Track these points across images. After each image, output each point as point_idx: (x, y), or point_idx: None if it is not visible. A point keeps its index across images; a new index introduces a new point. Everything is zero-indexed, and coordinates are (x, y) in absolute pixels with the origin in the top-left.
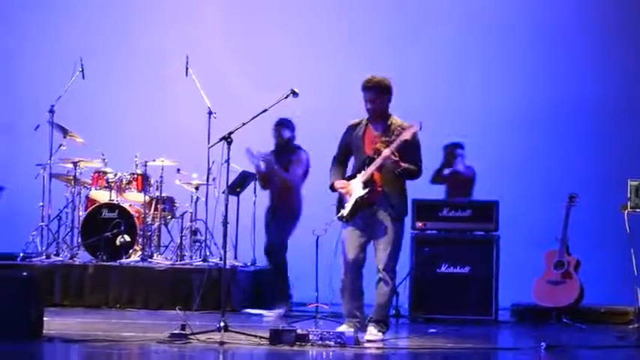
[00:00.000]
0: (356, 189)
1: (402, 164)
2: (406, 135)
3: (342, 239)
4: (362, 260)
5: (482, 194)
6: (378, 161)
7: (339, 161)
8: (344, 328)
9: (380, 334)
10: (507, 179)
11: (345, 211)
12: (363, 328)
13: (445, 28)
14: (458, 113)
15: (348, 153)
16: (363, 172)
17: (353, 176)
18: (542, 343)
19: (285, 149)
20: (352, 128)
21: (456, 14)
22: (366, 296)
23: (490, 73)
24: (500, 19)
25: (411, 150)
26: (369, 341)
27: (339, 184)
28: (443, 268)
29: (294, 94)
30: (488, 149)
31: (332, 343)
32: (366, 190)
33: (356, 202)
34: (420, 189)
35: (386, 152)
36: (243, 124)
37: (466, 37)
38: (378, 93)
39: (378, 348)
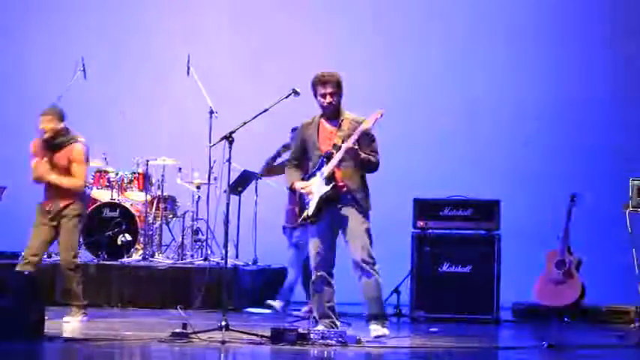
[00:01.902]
0: (318, 187)
1: (362, 154)
2: (367, 124)
3: (310, 240)
4: (332, 260)
5: (483, 193)
6: (339, 154)
7: (295, 162)
8: (320, 328)
9: (384, 329)
10: (509, 178)
11: (309, 211)
12: (336, 327)
13: (450, 26)
14: (460, 112)
15: (304, 153)
16: (323, 169)
17: (311, 175)
18: (544, 343)
19: (59, 143)
20: (305, 127)
21: (462, 12)
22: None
23: (494, 72)
24: (508, 18)
25: (366, 140)
26: (377, 337)
27: (300, 184)
28: (444, 268)
29: (296, 93)
30: (490, 148)
31: (333, 342)
32: (329, 186)
33: (320, 199)
34: (420, 188)
35: (347, 145)
36: (245, 123)
37: (471, 36)
38: (337, 87)
39: (379, 347)
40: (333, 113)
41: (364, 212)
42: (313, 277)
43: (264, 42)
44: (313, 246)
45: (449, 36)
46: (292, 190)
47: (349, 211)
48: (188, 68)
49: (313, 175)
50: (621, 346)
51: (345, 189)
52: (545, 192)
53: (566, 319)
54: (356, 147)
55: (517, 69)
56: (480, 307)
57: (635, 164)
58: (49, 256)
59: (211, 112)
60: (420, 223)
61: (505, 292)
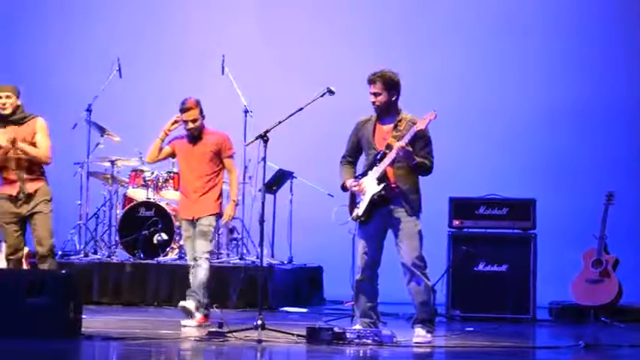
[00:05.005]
0: (369, 186)
1: (416, 157)
2: (420, 124)
3: (358, 239)
4: (379, 260)
5: (519, 192)
6: (391, 154)
7: (349, 160)
8: (357, 327)
9: (428, 335)
10: (545, 177)
11: (360, 211)
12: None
13: (481, 25)
14: (495, 111)
15: (358, 151)
16: (375, 168)
17: (364, 174)
18: (581, 342)
19: (19, 118)
20: (361, 125)
21: (493, 11)
22: (399, 296)
23: (529, 71)
24: (539, 16)
25: (421, 143)
26: (417, 343)
27: (351, 182)
28: (480, 267)
29: (331, 92)
30: (526, 147)
31: (369, 341)
32: (381, 186)
33: (371, 199)
34: (456, 187)
35: (399, 144)
36: (279, 122)
37: (504, 35)
38: (382, 87)
39: (415, 346)
40: (382, 112)
41: (416, 214)
42: (358, 277)
43: (299, 41)
44: (361, 246)
45: (483, 34)
46: (344, 188)
47: (401, 213)
48: (223, 68)
49: (365, 174)
50: None
51: (397, 190)
52: (582, 191)
53: (603, 319)
54: (408, 148)
55: (554, 67)
56: (517, 307)
57: None
58: (86, 255)
59: (246, 112)
60: (456, 222)
61: (542, 292)
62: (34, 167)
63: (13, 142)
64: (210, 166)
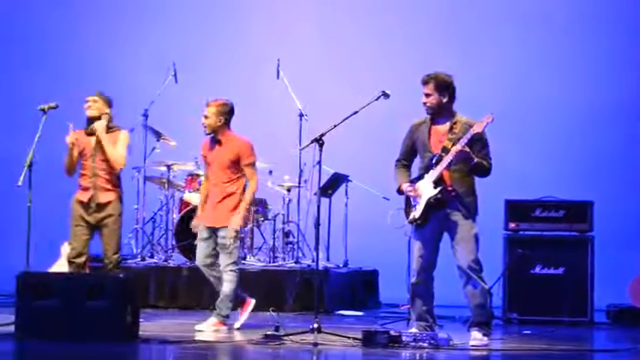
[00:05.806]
0: (426, 190)
1: (475, 158)
2: (477, 127)
3: (414, 242)
4: (434, 263)
5: (576, 194)
6: (448, 157)
7: (404, 163)
8: (413, 330)
9: (485, 338)
10: (602, 179)
11: (417, 214)
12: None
13: (534, 24)
14: (550, 112)
15: (413, 154)
16: (431, 171)
17: (419, 177)
18: (639, 345)
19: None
20: (415, 128)
21: (546, 9)
22: (456, 299)
23: (583, 70)
24: (597, 14)
25: (479, 145)
26: (473, 346)
27: (407, 187)
28: (537, 269)
29: (386, 95)
30: (583, 149)
31: (425, 344)
32: (438, 189)
33: (428, 203)
34: (511, 189)
35: (457, 147)
36: (335, 126)
37: (558, 34)
38: (434, 88)
39: (471, 349)
40: (434, 114)
41: (472, 217)
42: (414, 280)
43: (353, 44)
44: (417, 249)
45: (540, 33)
46: (400, 192)
47: (457, 216)
48: (278, 72)
49: (421, 177)
50: None
51: (453, 193)
52: (639, 192)
53: None
54: (467, 150)
55: (609, 66)
56: (574, 309)
57: None
58: (143, 259)
59: (301, 115)
60: (512, 225)
61: (599, 294)
62: (110, 177)
63: (94, 131)
64: (228, 173)
